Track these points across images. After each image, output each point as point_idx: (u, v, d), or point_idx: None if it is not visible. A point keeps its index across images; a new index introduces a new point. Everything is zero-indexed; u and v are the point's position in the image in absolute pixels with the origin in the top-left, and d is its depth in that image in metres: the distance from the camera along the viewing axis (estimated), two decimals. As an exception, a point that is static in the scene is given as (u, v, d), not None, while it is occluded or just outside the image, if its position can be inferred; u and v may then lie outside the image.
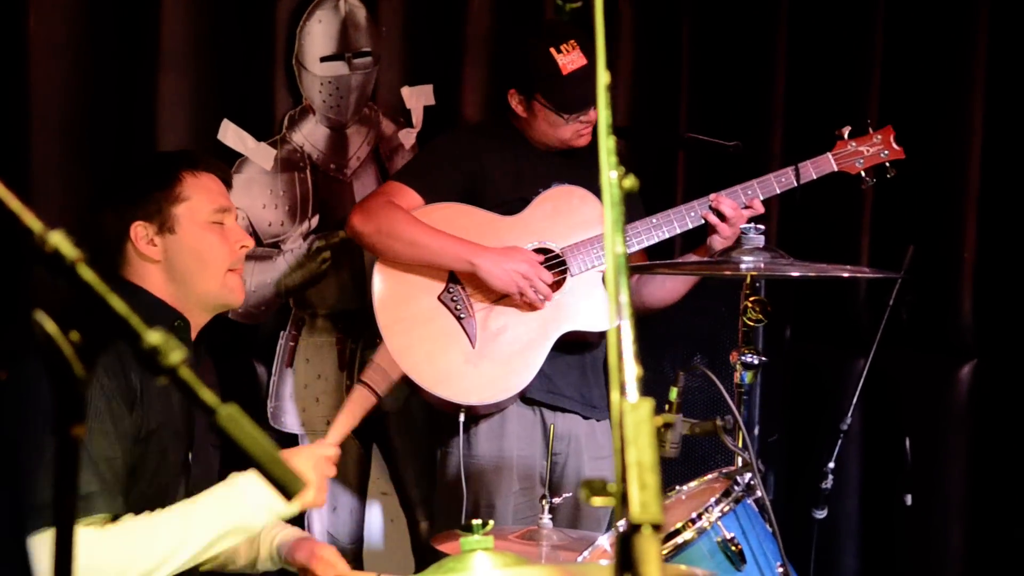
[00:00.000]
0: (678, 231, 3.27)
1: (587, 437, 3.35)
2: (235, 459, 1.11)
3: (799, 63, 4.06)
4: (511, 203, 3.30)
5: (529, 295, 3.18)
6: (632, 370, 1.27)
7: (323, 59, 3.66)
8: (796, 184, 3.25)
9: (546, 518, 2.57)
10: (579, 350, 3.32)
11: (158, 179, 2.37)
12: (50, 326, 1.05)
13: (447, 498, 3.32)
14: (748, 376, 2.50)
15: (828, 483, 3.52)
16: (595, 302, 3.26)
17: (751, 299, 2.49)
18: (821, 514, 3.55)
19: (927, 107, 3.87)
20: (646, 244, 3.25)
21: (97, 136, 3.29)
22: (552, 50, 3.19)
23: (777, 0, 4.06)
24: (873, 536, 4.03)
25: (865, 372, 3.62)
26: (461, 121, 3.85)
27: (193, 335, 2.39)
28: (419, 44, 3.84)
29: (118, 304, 1.07)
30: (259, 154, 3.57)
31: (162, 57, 3.37)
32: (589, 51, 3.18)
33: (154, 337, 1.07)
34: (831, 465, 3.52)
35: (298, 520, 3.64)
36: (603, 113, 1.35)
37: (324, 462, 2.28)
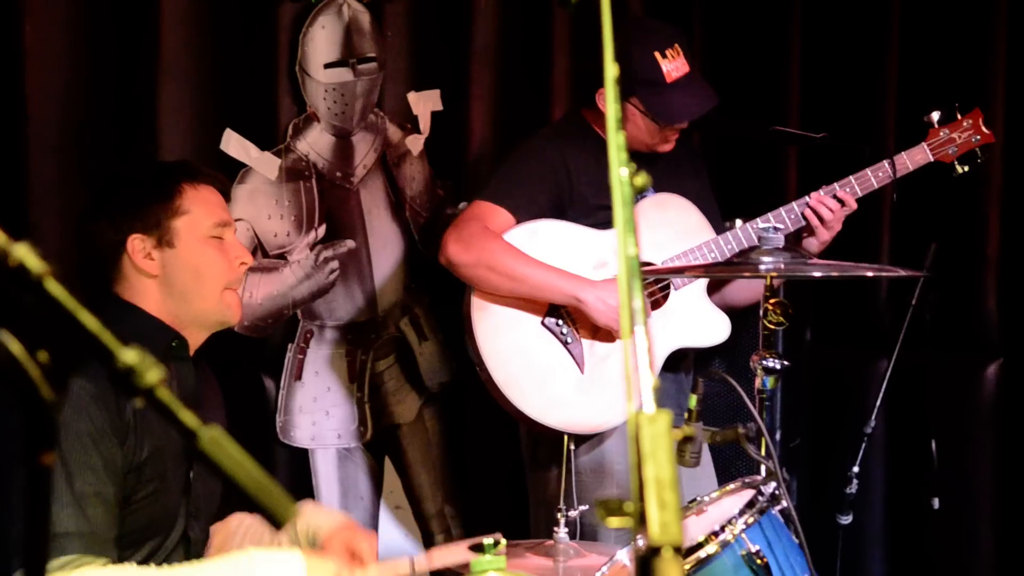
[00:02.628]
0: (786, 232, 3.16)
1: None
2: (235, 490, 1.02)
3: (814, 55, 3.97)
4: (597, 211, 3.19)
5: None
6: (648, 380, 1.19)
7: (327, 66, 3.58)
8: (893, 177, 3.16)
9: (562, 532, 2.48)
10: (676, 361, 3.26)
11: (157, 191, 2.29)
12: (14, 346, 0.97)
13: (546, 513, 3.17)
14: (770, 381, 2.42)
15: (853, 488, 3.46)
16: (701, 316, 3.20)
17: (772, 301, 2.40)
18: (846, 520, 3.48)
19: (946, 100, 3.79)
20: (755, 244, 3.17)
21: (96, 148, 3.22)
22: (657, 54, 3.09)
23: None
24: (900, 541, 3.95)
25: (888, 373, 3.55)
26: (469, 128, 3.78)
27: (191, 353, 2.31)
28: (425, 48, 3.77)
29: (89, 321, 0.99)
30: (263, 164, 3.50)
31: (162, 66, 3.30)
32: (690, 59, 3.13)
33: (129, 356, 0.99)
34: (855, 469, 3.46)
35: (310, 537, 3.57)
36: (611, 107, 1.29)
37: None
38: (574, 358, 3.13)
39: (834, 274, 2.46)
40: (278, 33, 3.52)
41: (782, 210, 3.19)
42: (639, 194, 3.39)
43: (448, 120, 3.78)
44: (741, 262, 2.48)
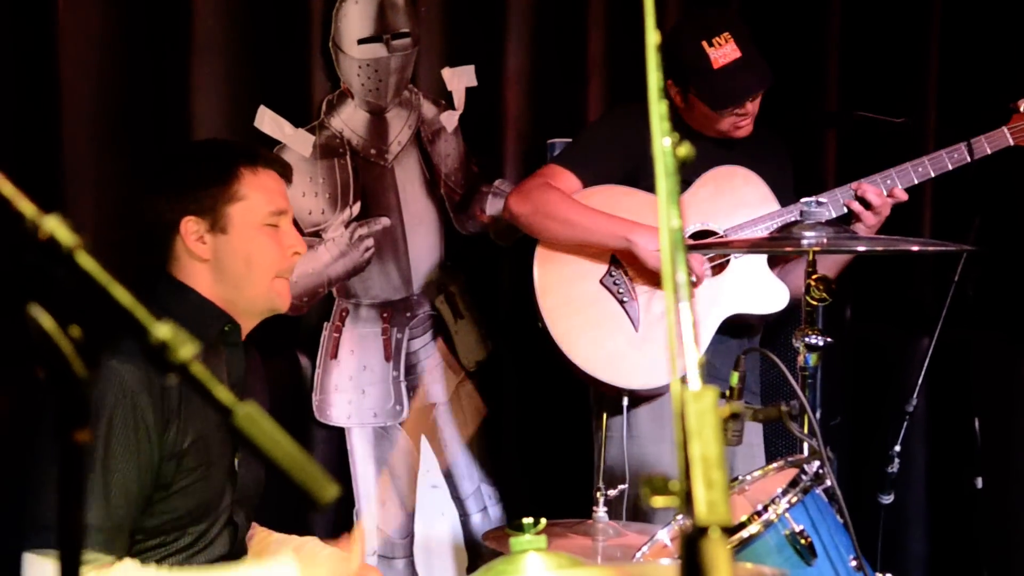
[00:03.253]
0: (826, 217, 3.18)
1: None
2: (272, 468, 1.00)
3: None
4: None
5: None
6: (694, 356, 1.16)
7: (361, 41, 3.55)
8: (969, 160, 3.16)
9: (601, 511, 2.46)
10: (740, 334, 3.31)
11: (215, 173, 2.25)
12: (47, 321, 0.95)
13: (608, 480, 3.25)
14: (812, 358, 2.38)
15: (894, 467, 3.43)
16: (759, 284, 3.24)
17: (814, 277, 2.36)
18: (888, 499, 3.45)
19: (984, 73, 3.73)
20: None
21: (130, 126, 3.20)
22: (704, 43, 3.17)
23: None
24: (942, 521, 3.91)
25: (930, 351, 3.50)
26: (504, 104, 3.75)
27: (242, 338, 2.29)
28: (459, 24, 3.73)
29: (122, 295, 0.97)
30: (297, 141, 3.48)
31: (195, 43, 3.27)
32: (743, 43, 3.17)
33: (163, 331, 0.97)
34: (897, 448, 3.43)
35: (347, 515, 3.56)
36: (653, 76, 1.26)
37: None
38: (629, 316, 3.22)
39: (878, 248, 2.41)
40: (311, 9, 3.48)
41: (837, 191, 3.19)
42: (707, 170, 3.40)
43: (483, 96, 3.75)
44: (784, 237, 2.44)
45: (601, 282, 3.23)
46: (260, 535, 2.45)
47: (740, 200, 3.24)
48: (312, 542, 2.39)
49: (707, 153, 3.25)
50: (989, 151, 3.20)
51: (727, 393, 2.37)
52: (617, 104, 3.68)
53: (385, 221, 3.62)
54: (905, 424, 3.47)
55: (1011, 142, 3.21)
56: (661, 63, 3.70)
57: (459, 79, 3.74)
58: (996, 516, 3.74)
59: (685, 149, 1.29)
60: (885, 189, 3.12)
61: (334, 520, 3.46)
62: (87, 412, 0.97)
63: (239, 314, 2.26)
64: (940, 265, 3.73)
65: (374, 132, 3.61)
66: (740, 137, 3.28)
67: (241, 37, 3.36)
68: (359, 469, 3.60)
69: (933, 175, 3.19)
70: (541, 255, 3.25)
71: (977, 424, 3.62)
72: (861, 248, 2.40)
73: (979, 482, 3.56)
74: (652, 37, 1.30)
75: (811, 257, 2.39)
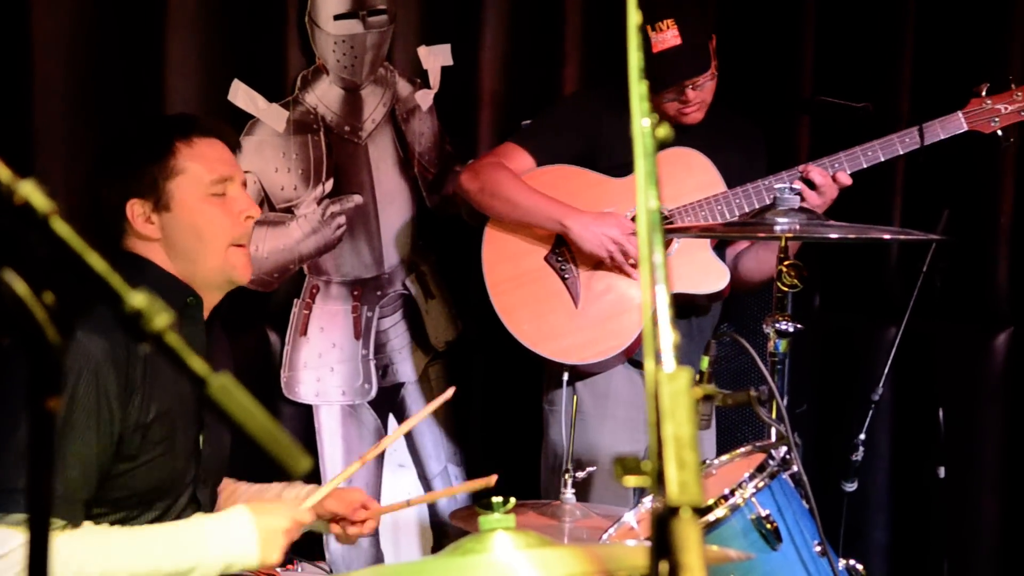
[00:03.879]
0: (766, 201, 3.18)
1: None
2: (245, 439, 0.99)
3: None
4: (625, 167, 3.29)
5: (618, 258, 3.21)
6: (668, 337, 1.16)
7: (337, 17, 3.53)
8: (921, 144, 3.14)
9: (569, 493, 2.46)
10: (687, 314, 3.33)
11: (150, 151, 2.20)
12: (20, 287, 0.94)
13: (551, 456, 3.37)
14: (782, 344, 2.39)
15: (859, 455, 3.44)
16: (702, 264, 3.28)
17: (786, 263, 2.37)
18: (851, 487, 3.47)
19: (959, 67, 3.74)
20: (744, 211, 3.22)
21: (103, 98, 3.18)
22: (648, 28, 3.19)
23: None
24: (904, 509, 3.93)
25: (897, 341, 3.51)
26: (480, 83, 3.74)
27: (205, 314, 2.27)
28: (436, 2, 3.73)
29: (97, 262, 0.96)
30: (271, 115, 3.46)
31: (169, 16, 3.25)
32: (687, 32, 3.18)
33: (138, 299, 0.96)
34: (862, 437, 3.44)
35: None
36: (633, 56, 1.26)
37: (296, 528, 2.12)
38: (571, 292, 3.27)
39: (851, 236, 2.42)
40: (288, -17, 3.47)
41: (784, 173, 3.20)
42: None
43: (458, 76, 3.74)
44: (756, 222, 2.44)
45: (545, 259, 3.30)
46: (229, 488, 2.44)
47: (691, 182, 3.26)
48: (277, 488, 2.39)
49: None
50: (943, 135, 3.16)
51: (698, 376, 2.38)
52: (579, 88, 3.73)
53: (357, 199, 3.61)
54: (870, 413, 3.48)
55: (965, 127, 3.17)
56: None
57: (435, 58, 3.73)
58: (957, 506, 3.77)
59: (664, 130, 1.29)
60: (831, 171, 3.13)
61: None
62: (59, 379, 0.96)
63: (200, 288, 2.23)
64: (908, 255, 3.75)
65: (348, 109, 3.59)
66: (690, 123, 3.28)
67: (216, 11, 3.34)
68: (326, 447, 3.59)
69: (883, 159, 3.17)
70: (490, 232, 3.32)
71: (941, 414, 3.64)
72: (834, 235, 2.40)
73: (941, 472, 3.58)
74: (633, 17, 1.29)
75: (783, 243, 2.40)
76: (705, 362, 2.38)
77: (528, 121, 3.58)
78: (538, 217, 3.26)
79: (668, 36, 3.19)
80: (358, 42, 3.57)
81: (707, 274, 3.26)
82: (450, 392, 2.39)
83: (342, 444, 3.62)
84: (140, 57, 3.25)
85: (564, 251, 3.30)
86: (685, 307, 3.29)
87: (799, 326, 2.41)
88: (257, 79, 3.43)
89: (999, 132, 3.18)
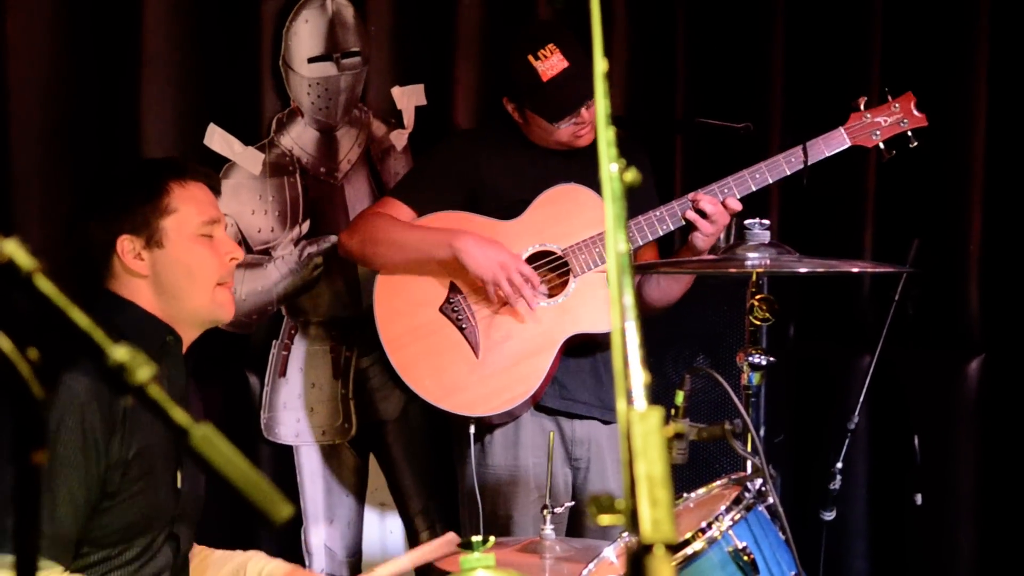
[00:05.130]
0: (667, 230, 3.13)
1: (609, 441, 3.25)
2: (227, 489, 1.02)
3: (797, 48, 3.96)
4: (512, 206, 3.21)
5: (504, 287, 3.07)
6: (639, 377, 1.19)
7: (311, 60, 3.57)
8: (805, 163, 3.08)
9: (548, 528, 2.48)
10: (590, 352, 3.23)
11: (144, 190, 2.27)
12: (5, 343, 0.96)
13: (467, 510, 3.25)
14: (756, 377, 2.42)
15: (836, 484, 3.46)
16: (600, 303, 3.15)
17: (758, 297, 2.40)
18: (830, 516, 3.48)
19: (929, 95, 3.79)
20: (639, 244, 3.13)
21: (80, 141, 3.21)
22: (530, 58, 3.09)
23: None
24: (883, 537, 3.95)
25: (871, 369, 3.55)
26: (454, 123, 3.77)
27: (183, 350, 2.30)
28: (409, 43, 3.76)
29: (80, 318, 0.98)
30: (247, 159, 3.49)
31: (144, 60, 3.28)
32: (570, 51, 3.09)
33: (120, 353, 0.98)
34: (839, 465, 3.46)
35: (294, 533, 3.56)
36: (601, 103, 1.28)
37: None
38: (469, 342, 3.15)
39: (820, 270, 2.45)
40: (261, 27, 3.51)
41: (675, 203, 3.12)
42: (549, 186, 3.32)
43: (432, 115, 3.77)
44: (727, 258, 2.48)
45: (440, 310, 3.18)
46: (201, 554, 2.46)
47: (582, 220, 3.16)
48: (256, 556, 2.41)
49: (551, 166, 3.21)
50: (827, 152, 3.12)
51: (672, 411, 2.41)
52: (452, 132, 3.62)
53: (334, 239, 3.63)
54: (847, 441, 3.51)
55: (848, 142, 3.13)
56: (497, 79, 3.59)
57: (409, 98, 3.76)
58: (935, 532, 3.80)
59: (632, 174, 1.31)
60: (721, 198, 3.06)
61: (281, 538, 3.46)
62: (44, 434, 0.98)
63: (181, 326, 2.28)
64: (881, 285, 3.78)
65: (324, 150, 3.62)
66: (582, 145, 3.18)
67: (191, 55, 3.37)
68: (307, 487, 3.60)
69: (772, 181, 3.10)
70: (380, 285, 3.20)
71: (916, 441, 3.67)
72: (803, 270, 2.44)
73: (919, 499, 3.60)
74: (600, 64, 1.32)
75: (754, 278, 2.43)
76: (680, 396, 2.41)
77: (405, 172, 3.53)
78: (426, 245, 3.12)
79: (555, 61, 3.09)
80: (332, 84, 3.61)
81: (607, 312, 3.14)
82: (451, 536, 2.38)
83: (323, 484, 3.63)
84: (115, 102, 3.28)
85: (459, 300, 3.17)
86: (587, 346, 3.19)
87: (772, 359, 2.44)
88: (232, 122, 3.46)
89: (881, 145, 3.13)
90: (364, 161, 3.70)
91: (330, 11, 3.58)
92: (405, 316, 3.18)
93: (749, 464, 2.31)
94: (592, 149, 3.15)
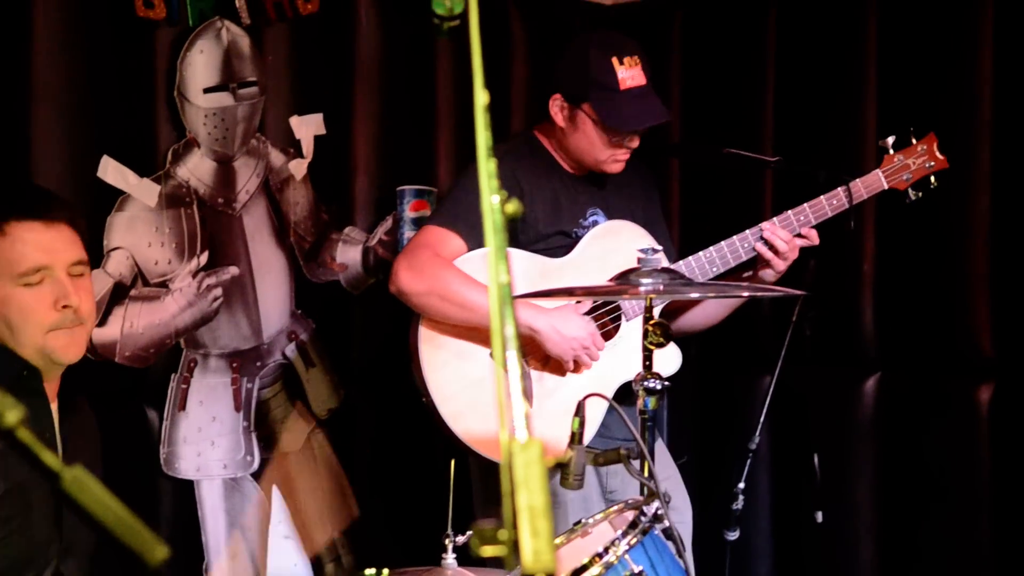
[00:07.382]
0: (731, 265, 3.14)
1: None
2: (101, 532, 1.00)
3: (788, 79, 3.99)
4: (550, 237, 3.14)
5: (584, 363, 3.07)
6: (520, 407, 1.20)
7: (206, 90, 3.54)
8: (848, 205, 3.13)
9: (450, 558, 2.47)
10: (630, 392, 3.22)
11: None
12: None
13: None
14: (651, 402, 2.44)
15: (739, 504, 3.47)
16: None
17: (651, 322, 2.43)
18: (733, 536, 3.50)
19: (819, 120, 3.86)
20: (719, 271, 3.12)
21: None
22: (615, 60, 3.04)
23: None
24: (786, 556, 4.00)
25: (771, 389, 3.58)
26: (352, 152, 3.76)
27: (56, 385, 2.24)
28: (307, 72, 3.74)
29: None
30: (142, 190, 3.44)
31: (34, 91, 3.23)
32: (648, 73, 3.07)
33: (-14, 397, 0.97)
34: (741, 485, 3.47)
35: (195, 570, 3.50)
36: (482, 135, 1.29)
37: None
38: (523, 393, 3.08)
39: (711, 295, 2.49)
40: (155, 58, 3.46)
41: (735, 239, 3.15)
42: (583, 216, 3.22)
43: (331, 144, 3.76)
44: (622, 284, 2.50)
45: (491, 357, 3.07)
46: None
47: (629, 259, 2.96)
48: None
49: (580, 195, 3.19)
50: (866, 195, 3.17)
51: (571, 437, 2.42)
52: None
53: (233, 270, 3.60)
54: (748, 461, 3.54)
55: (886, 185, 3.19)
56: (555, 75, 3.62)
57: (307, 127, 3.75)
58: (836, 549, 3.85)
59: (513, 206, 1.32)
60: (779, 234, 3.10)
61: (184, 573, 3.41)
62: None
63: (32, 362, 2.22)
64: (780, 306, 3.84)
65: (221, 181, 3.59)
66: (613, 172, 3.15)
67: (82, 85, 3.32)
68: (209, 522, 3.55)
69: (815, 222, 3.16)
70: (426, 332, 3.06)
71: (816, 459, 3.71)
72: (695, 295, 2.47)
73: (819, 516, 3.65)
74: (481, 97, 1.33)
75: (648, 303, 2.46)
76: (576, 423, 2.42)
77: (416, 187, 3.48)
78: None
79: (636, 73, 3.06)
80: (229, 114, 3.58)
81: (660, 356, 2.95)
82: None
83: (225, 518, 3.58)
84: (5, 135, 3.21)
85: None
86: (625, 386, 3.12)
87: (667, 383, 2.46)
88: (127, 154, 3.41)
89: (909, 189, 3.22)
90: (263, 191, 3.68)
91: (225, 41, 3.56)
92: (454, 364, 3.06)
93: (644, 488, 2.33)
94: (614, 179, 3.20)
